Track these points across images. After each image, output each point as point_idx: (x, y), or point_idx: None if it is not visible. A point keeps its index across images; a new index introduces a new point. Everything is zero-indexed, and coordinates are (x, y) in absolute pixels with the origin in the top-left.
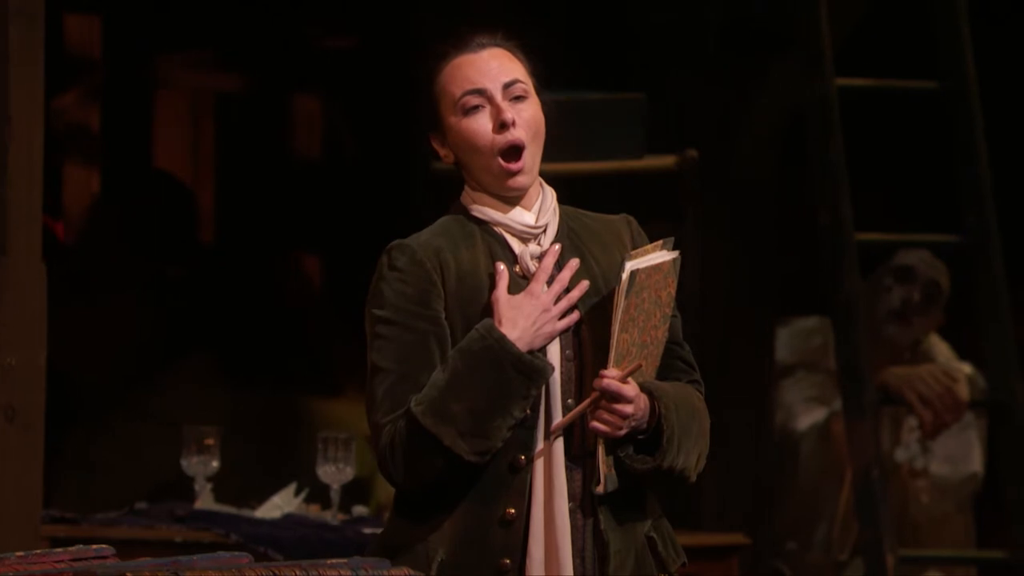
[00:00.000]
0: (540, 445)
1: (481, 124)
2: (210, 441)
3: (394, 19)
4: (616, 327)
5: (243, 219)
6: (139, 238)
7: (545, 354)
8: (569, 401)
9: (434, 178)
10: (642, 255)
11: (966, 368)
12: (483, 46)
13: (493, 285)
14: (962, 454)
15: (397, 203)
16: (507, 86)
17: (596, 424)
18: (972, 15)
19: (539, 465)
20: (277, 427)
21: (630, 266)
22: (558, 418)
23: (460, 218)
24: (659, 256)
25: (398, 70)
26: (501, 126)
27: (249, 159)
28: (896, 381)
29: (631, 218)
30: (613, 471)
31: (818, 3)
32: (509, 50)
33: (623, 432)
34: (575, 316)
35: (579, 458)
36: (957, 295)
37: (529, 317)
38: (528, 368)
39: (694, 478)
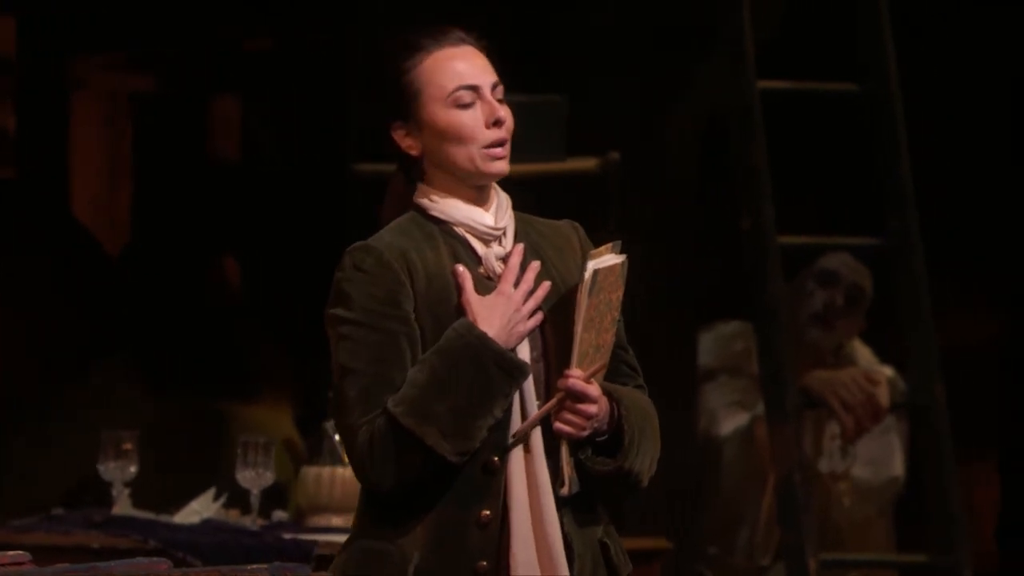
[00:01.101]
0: (515, 448)
1: (474, 118)
2: (128, 446)
3: (314, 20)
4: (579, 327)
5: (162, 222)
6: (56, 239)
7: (516, 354)
8: (537, 402)
9: (356, 180)
10: (599, 256)
11: (887, 371)
12: (463, 41)
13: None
14: (883, 458)
15: (318, 206)
16: (494, 86)
17: (560, 425)
18: (892, 16)
19: (515, 467)
20: (196, 431)
21: (592, 265)
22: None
23: (417, 218)
24: (612, 258)
25: (318, 71)
26: (496, 123)
27: (167, 161)
28: (818, 386)
29: (577, 224)
30: (575, 473)
31: (740, 5)
32: (482, 51)
33: (587, 433)
34: (540, 316)
35: (547, 459)
36: (879, 298)
37: (503, 316)
38: (510, 365)
39: (646, 482)
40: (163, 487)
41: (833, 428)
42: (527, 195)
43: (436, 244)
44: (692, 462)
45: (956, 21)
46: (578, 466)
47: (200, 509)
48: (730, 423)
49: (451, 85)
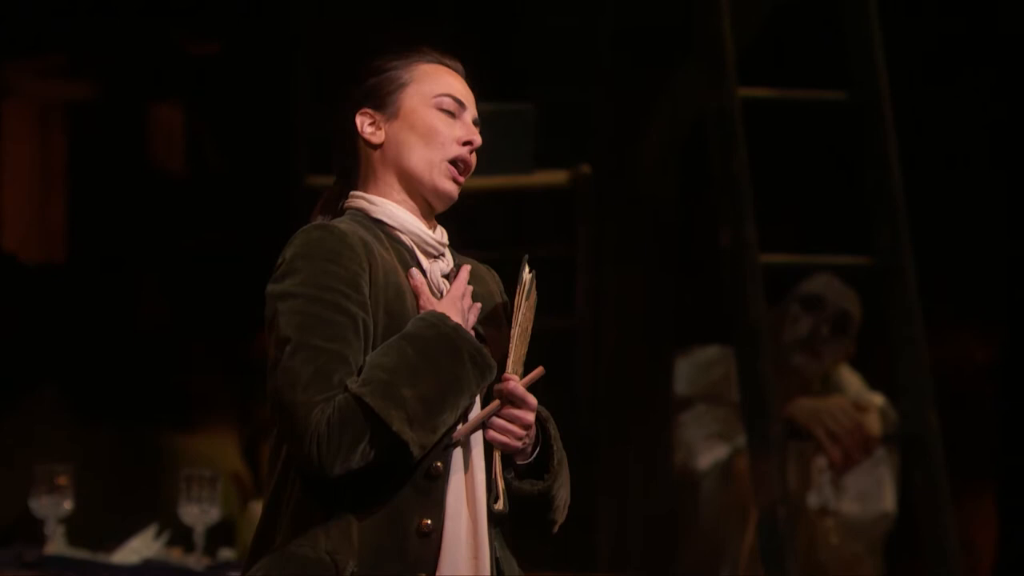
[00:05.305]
0: (456, 455)
1: (451, 126)
2: (62, 480)
3: (260, 22)
4: (516, 330)
5: (97, 239)
6: None
7: None
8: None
9: (307, 193)
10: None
11: (878, 400)
12: (462, 73)
13: (410, 287)
14: (873, 492)
15: (267, 220)
16: (475, 122)
17: (495, 434)
18: (882, 19)
19: (455, 475)
20: (135, 465)
21: (527, 268)
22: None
23: (359, 217)
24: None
25: (266, 77)
26: (467, 143)
27: (103, 173)
28: (804, 415)
29: (494, 271)
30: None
31: (719, 10)
32: (472, 92)
33: (520, 445)
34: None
35: (483, 471)
36: (869, 320)
37: (461, 320)
38: (483, 361)
39: (558, 526)
40: (100, 524)
41: (822, 461)
42: (494, 210)
43: (385, 245)
44: (668, 497)
45: (949, 25)
46: (507, 488)
47: (140, 548)
48: (708, 456)
49: (441, 90)
